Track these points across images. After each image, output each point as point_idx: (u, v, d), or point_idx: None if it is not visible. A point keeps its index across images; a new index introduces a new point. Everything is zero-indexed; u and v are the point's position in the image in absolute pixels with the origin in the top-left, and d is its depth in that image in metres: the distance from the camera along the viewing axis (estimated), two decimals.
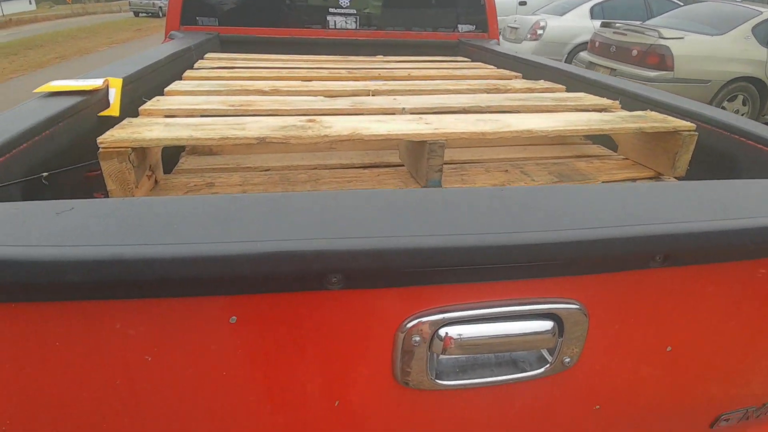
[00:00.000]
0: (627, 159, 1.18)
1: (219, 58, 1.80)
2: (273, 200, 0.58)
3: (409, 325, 0.60)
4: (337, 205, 0.58)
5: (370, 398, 0.66)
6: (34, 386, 0.56)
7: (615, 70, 5.13)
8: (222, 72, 1.51)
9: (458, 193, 0.64)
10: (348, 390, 0.65)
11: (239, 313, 0.55)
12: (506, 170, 1.05)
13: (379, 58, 2.14)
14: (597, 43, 5.65)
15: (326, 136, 0.84)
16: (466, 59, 2.12)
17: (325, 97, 1.20)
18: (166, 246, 0.48)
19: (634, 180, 1.08)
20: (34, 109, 0.91)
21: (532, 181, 1.00)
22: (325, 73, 1.58)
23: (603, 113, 1.14)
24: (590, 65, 5.58)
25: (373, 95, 1.29)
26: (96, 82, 1.07)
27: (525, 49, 6.79)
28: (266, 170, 1.05)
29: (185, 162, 1.07)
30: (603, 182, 1.04)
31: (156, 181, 0.93)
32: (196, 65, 1.63)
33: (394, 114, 1.07)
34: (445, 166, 0.94)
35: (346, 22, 2.55)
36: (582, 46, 6.47)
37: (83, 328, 0.53)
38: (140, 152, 0.83)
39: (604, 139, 1.29)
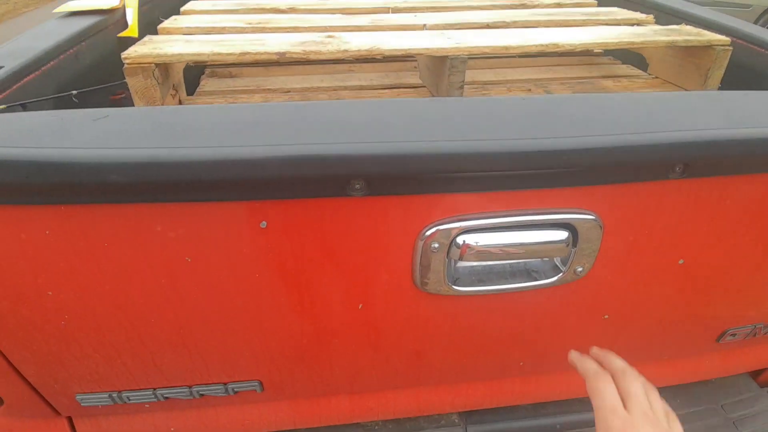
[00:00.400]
0: (657, 78, 1.13)
1: None
2: (297, 108, 0.59)
3: (429, 232, 0.63)
4: (360, 112, 0.59)
5: (391, 302, 0.71)
6: (86, 282, 0.61)
7: None
8: None
9: (478, 101, 0.64)
10: (370, 294, 0.70)
11: (269, 217, 0.59)
12: (529, 89, 1.03)
13: None
14: None
15: (346, 51, 0.83)
16: None
17: (344, 14, 1.17)
18: (197, 149, 0.51)
19: None
20: (56, 28, 0.92)
21: None
22: None
23: (635, 27, 1.08)
24: None
25: (392, 12, 1.24)
26: (112, 2, 1.06)
27: None
28: (287, 92, 1.05)
29: (206, 84, 1.07)
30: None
31: (180, 101, 0.94)
32: None
33: (414, 30, 1.04)
34: (466, 86, 0.93)
35: None
36: None
37: (127, 230, 0.57)
38: (163, 69, 0.84)
39: (635, 59, 1.23)
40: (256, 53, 0.81)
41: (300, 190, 0.56)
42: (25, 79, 0.74)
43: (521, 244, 0.65)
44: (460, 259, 0.65)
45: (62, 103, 0.79)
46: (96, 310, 0.65)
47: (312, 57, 0.82)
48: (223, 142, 0.52)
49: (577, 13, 1.18)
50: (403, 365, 0.84)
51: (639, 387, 0.53)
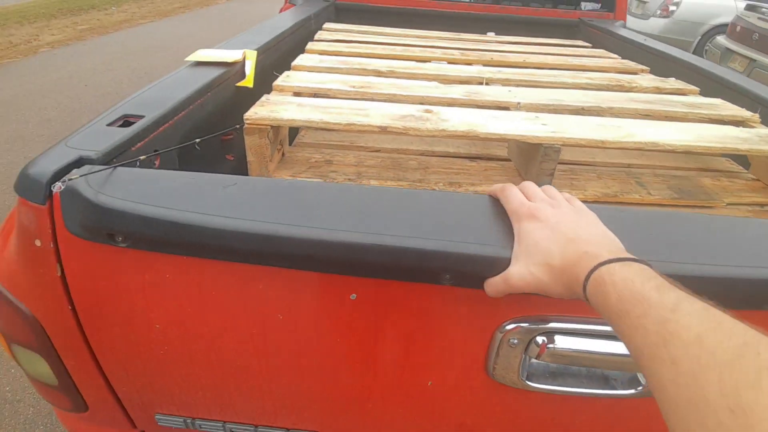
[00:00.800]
0: (758, 181, 1.08)
1: (336, 30, 1.87)
2: (399, 196, 0.63)
3: (509, 327, 0.64)
4: (456, 209, 0.63)
5: (461, 385, 0.72)
6: (190, 322, 0.68)
7: (755, 61, 4.50)
8: (340, 46, 1.57)
9: None
10: (442, 374, 0.71)
11: (360, 291, 0.63)
12: (620, 179, 1.02)
13: (491, 37, 2.08)
14: (738, 28, 4.95)
15: (443, 130, 0.88)
16: (586, 44, 2.00)
17: (440, 83, 1.22)
18: (311, 228, 0.56)
19: (762, 206, 0.99)
20: (188, 79, 1.03)
21: (648, 195, 0.96)
22: (438, 53, 1.59)
23: (740, 128, 1.04)
24: (727, 52, 4.93)
25: (486, 84, 1.28)
26: (236, 55, 1.18)
27: (652, 27, 6.14)
28: (377, 151, 1.11)
29: (305, 136, 1.16)
30: (728, 204, 0.97)
31: (283, 154, 1.02)
32: (316, 36, 1.71)
33: (508, 108, 1.07)
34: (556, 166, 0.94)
35: None
36: (720, 29, 5.71)
37: (234, 284, 0.64)
38: (275, 129, 0.92)
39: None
40: (360, 125, 0.87)
41: (394, 273, 0.60)
42: (161, 129, 0.84)
43: (603, 354, 0.64)
44: (537, 357, 0.65)
45: (186, 149, 0.89)
46: (192, 346, 0.71)
47: (411, 133, 0.87)
48: (333, 225, 0.57)
49: (678, 104, 1.16)
50: None
51: (538, 187, 0.63)
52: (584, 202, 0.95)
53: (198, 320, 0.68)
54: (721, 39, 5.31)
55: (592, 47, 1.95)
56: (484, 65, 1.51)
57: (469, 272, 0.59)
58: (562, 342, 0.64)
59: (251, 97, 1.22)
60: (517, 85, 1.27)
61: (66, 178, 0.60)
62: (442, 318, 0.65)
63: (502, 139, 0.89)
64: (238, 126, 1.02)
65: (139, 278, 0.65)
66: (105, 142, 0.72)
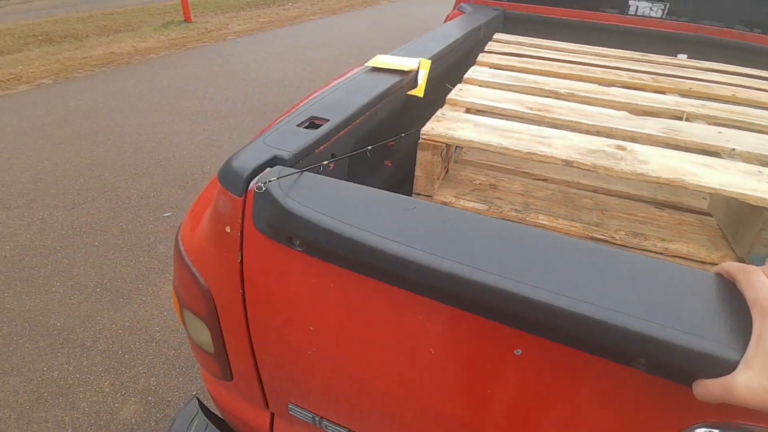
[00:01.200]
0: None
1: (507, 42, 1.79)
2: (593, 252, 0.55)
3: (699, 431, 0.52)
4: (668, 282, 0.52)
5: None
6: (343, 331, 0.68)
7: None
8: (512, 60, 1.49)
9: None
10: None
11: (528, 349, 0.56)
12: None
13: (684, 60, 1.81)
14: None
15: (642, 174, 0.76)
16: None
17: (629, 113, 1.08)
18: (492, 275, 0.51)
19: None
20: (367, 84, 1.05)
21: None
22: (624, 76, 1.42)
23: None
24: None
25: (687, 119, 1.10)
26: (412, 64, 1.18)
27: None
28: (544, 180, 1.02)
29: (467, 153, 1.11)
30: None
31: (447, 171, 0.99)
32: (486, 48, 1.65)
33: (719, 155, 0.90)
34: None
35: (651, 9, 2.22)
36: None
37: (394, 308, 0.62)
38: (447, 146, 0.89)
39: None
40: (543, 155, 0.80)
41: (578, 344, 0.52)
42: (341, 133, 0.86)
43: None
44: None
45: (359, 155, 0.90)
46: (339, 355, 0.71)
47: (601, 172, 0.77)
48: (520, 275, 0.51)
49: None
50: None
51: None
52: None
53: (351, 333, 0.67)
54: None
55: None
56: (681, 95, 1.31)
57: (673, 364, 0.48)
58: None
59: (418, 105, 1.21)
60: (727, 125, 1.07)
61: (264, 179, 0.64)
62: (617, 403, 0.56)
63: (714, 193, 0.74)
64: (404, 135, 1.01)
65: (306, 281, 0.66)
66: (295, 143, 0.75)
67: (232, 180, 0.66)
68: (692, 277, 0.53)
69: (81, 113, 4.31)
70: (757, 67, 1.77)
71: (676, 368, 0.48)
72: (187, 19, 8.01)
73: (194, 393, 1.88)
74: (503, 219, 0.86)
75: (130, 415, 1.78)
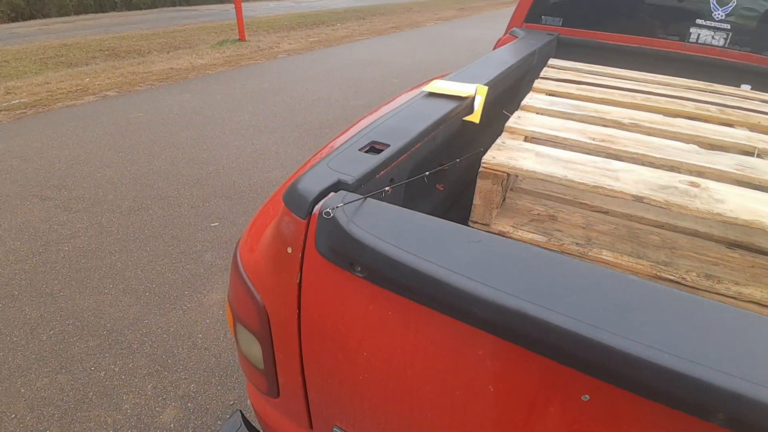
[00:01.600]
0: None
1: (563, 68, 1.76)
2: (678, 300, 0.52)
3: None
4: (753, 330, 0.49)
5: None
6: (397, 360, 0.67)
7: None
8: (570, 87, 1.46)
9: None
10: None
11: (596, 395, 0.53)
12: None
13: (750, 92, 1.73)
14: None
15: (719, 214, 0.72)
16: None
17: (700, 147, 1.03)
18: (565, 318, 0.49)
19: None
20: (426, 111, 1.06)
21: None
22: (689, 106, 1.36)
23: None
24: None
25: (758, 156, 1.04)
26: (470, 90, 1.18)
27: None
28: (605, 213, 0.99)
29: (523, 181, 1.09)
30: None
31: (504, 199, 0.98)
32: (542, 74, 1.64)
33: None
34: None
35: (713, 38, 2.14)
36: None
37: (453, 340, 0.60)
38: (507, 176, 0.88)
39: None
40: (611, 189, 0.77)
41: (655, 396, 0.49)
42: (401, 158, 0.86)
43: None
44: None
45: (415, 181, 0.90)
46: (391, 384, 0.70)
47: (674, 210, 0.74)
48: (594, 320, 0.49)
49: None
50: None
51: None
52: None
53: (404, 364, 0.66)
54: None
55: None
56: (750, 129, 1.24)
57: (756, 424, 0.45)
58: None
59: (472, 130, 1.20)
60: None
61: (330, 204, 0.64)
62: None
63: None
64: (458, 160, 1.01)
65: (363, 307, 0.66)
66: (358, 168, 0.76)
67: (298, 203, 0.67)
68: None
69: (141, 124, 4.56)
70: None
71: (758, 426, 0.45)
72: (242, 38, 8.38)
73: (232, 403, 1.90)
74: (567, 254, 0.83)
75: (169, 420, 1.81)
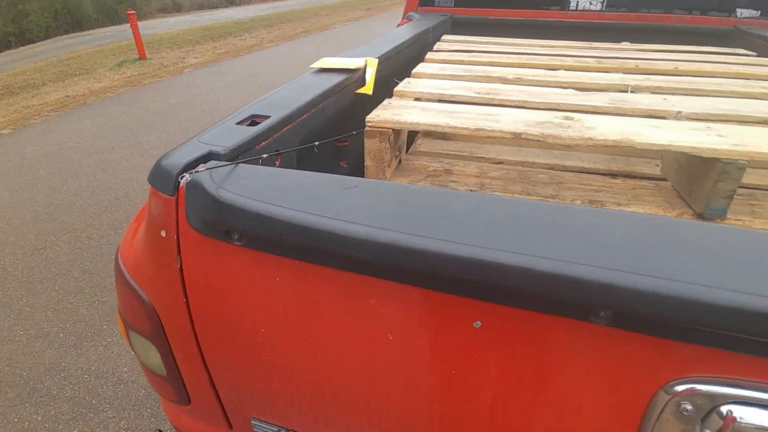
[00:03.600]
0: None
1: (455, 41, 1.80)
2: (548, 211, 0.52)
3: (680, 387, 0.49)
4: (620, 228, 0.50)
5: None
6: (295, 330, 0.63)
7: None
8: (461, 56, 1.50)
9: None
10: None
11: (486, 320, 0.53)
12: None
13: (630, 46, 1.86)
14: None
15: (590, 138, 0.75)
16: (750, 53, 1.70)
17: (577, 90, 1.09)
18: (439, 241, 0.48)
19: None
20: (312, 84, 1.03)
21: None
22: (569, 61, 1.44)
23: None
24: None
25: (632, 92, 1.11)
26: (359, 62, 1.17)
27: None
28: (499, 162, 1.01)
29: (422, 144, 1.09)
30: None
31: (400, 161, 0.97)
32: (435, 47, 1.66)
33: (665, 118, 0.90)
34: None
35: (590, 3, 2.29)
36: None
37: (345, 295, 0.58)
38: (396, 133, 0.87)
39: None
40: (491, 130, 0.78)
41: (535, 304, 0.49)
42: (284, 129, 0.83)
43: None
44: None
45: (304, 154, 0.87)
46: (295, 356, 0.66)
47: (550, 141, 0.76)
48: (467, 239, 0.48)
49: None
50: None
51: None
52: None
53: (303, 330, 0.63)
54: None
55: (757, 56, 1.65)
56: (626, 73, 1.33)
57: (636, 313, 0.46)
58: (758, 417, 0.48)
59: (369, 104, 1.19)
60: (672, 94, 1.08)
61: (192, 171, 0.60)
62: (589, 365, 0.53)
63: (665, 150, 0.74)
64: (355, 132, 0.99)
65: (250, 279, 0.62)
66: (233, 139, 0.72)
67: (163, 179, 0.62)
68: (647, 223, 0.51)
69: (38, 158, 4.18)
70: (685, 44, 1.82)
71: (640, 316, 0.46)
72: (142, 57, 7.93)
73: (167, 431, 1.77)
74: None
75: None
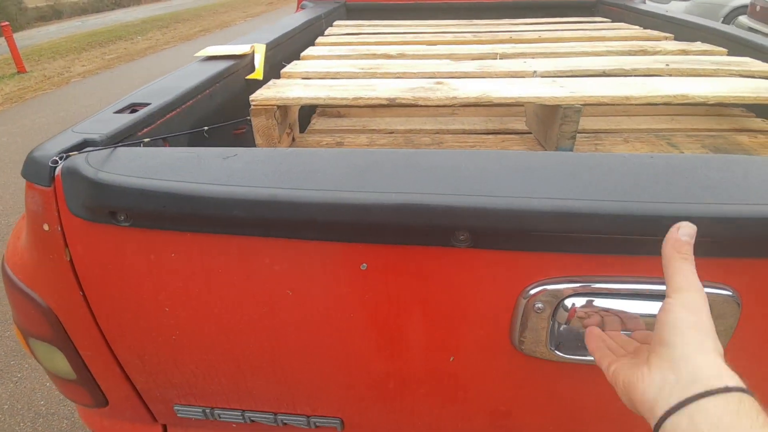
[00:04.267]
0: None
1: (347, 25, 1.86)
2: (406, 156, 0.60)
3: (533, 291, 0.59)
4: (468, 163, 0.58)
5: (484, 359, 0.67)
6: (198, 304, 0.66)
7: None
8: (350, 38, 1.56)
9: (598, 157, 0.59)
10: (464, 347, 0.67)
11: (370, 260, 0.59)
12: (649, 141, 0.95)
13: (505, 21, 2.03)
14: (758, 7, 4.77)
15: (454, 98, 0.84)
16: (605, 20, 1.93)
17: (451, 60, 1.19)
18: (311, 192, 0.53)
19: None
20: (196, 71, 1.03)
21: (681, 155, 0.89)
22: (449, 37, 1.55)
23: None
24: (749, 32, 4.75)
25: (500, 58, 1.24)
26: (245, 48, 1.18)
27: (674, 11, 5.95)
28: (390, 133, 1.08)
29: (316, 123, 1.14)
30: None
31: (293, 139, 1.01)
32: (326, 32, 1.71)
33: (524, 77, 1.03)
34: (577, 135, 0.88)
35: None
36: (740, 10, 5.48)
37: (240, 259, 0.61)
38: (283, 111, 0.90)
39: None
40: (368, 98, 0.84)
41: (404, 237, 0.56)
42: (168, 116, 0.83)
43: (639, 315, 0.58)
44: (567, 323, 0.60)
45: (196, 136, 0.88)
46: (203, 329, 0.69)
47: (421, 103, 0.84)
48: (335, 186, 0.54)
49: (705, 62, 1.09)
50: (489, 424, 0.79)
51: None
52: None
53: (206, 301, 0.66)
54: (743, 19, 5.11)
55: (611, 22, 1.88)
56: (497, 43, 1.46)
57: (486, 230, 0.54)
58: (593, 304, 0.59)
59: None
60: (534, 58, 1.22)
61: (65, 155, 0.60)
62: (460, 286, 0.61)
63: (516, 102, 0.85)
64: (249, 117, 1.01)
65: (144, 259, 0.63)
66: (110, 126, 0.71)
67: (36, 169, 0.61)
68: (498, 157, 0.59)
69: None
70: (557, 17, 2.03)
71: (491, 233, 0.54)
72: (21, 70, 7.17)
73: None
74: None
75: None
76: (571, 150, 0.87)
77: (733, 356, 0.53)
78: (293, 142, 1.00)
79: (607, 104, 0.84)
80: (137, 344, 0.73)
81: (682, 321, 0.43)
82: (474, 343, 0.66)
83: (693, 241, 0.46)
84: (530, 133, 1.02)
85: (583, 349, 0.64)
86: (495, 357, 0.67)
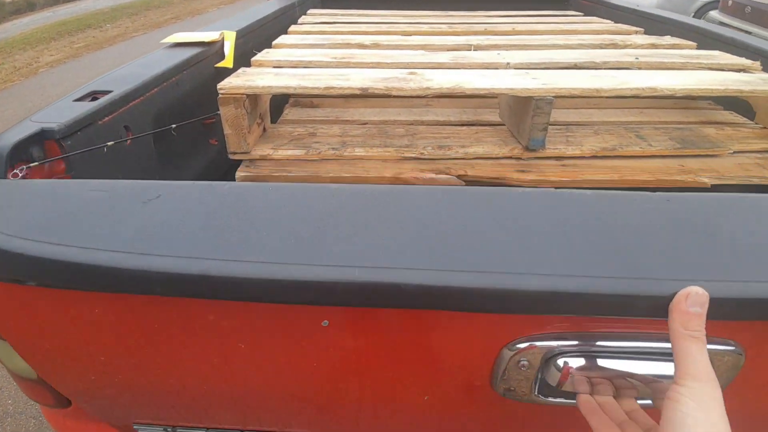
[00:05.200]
0: (765, 128, 1.02)
1: (321, 14, 1.83)
2: (373, 197, 0.50)
3: (519, 346, 0.50)
4: (446, 215, 0.48)
5: (461, 401, 0.58)
6: (140, 357, 0.57)
7: (749, 33, 4.42)
8: (324, 27, 1.53)
9: (602, 200, 0.50)
10: (440, 388, 0.57)
11: (332, 318, 0.51)
12: (618, 133, 0.97)
13: (480, 13, 2.03)
14: (730, 2, 4.90)
15: (428, 88, 0.83)
16: (577, 13, 1.95)
17: (426, 51, 1.18)
18: (250, 264, 0.43)
19: None
20: (162, 58, 1.00)
21: (649, 147, 0.91)
22: (425, 28, 1.54)
23: (741, 74, 0.99)
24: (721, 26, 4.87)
25: (474, 50, 1.23)
26: (213, 35, 1.15)
27: (645, 5, 6.06)
28: (364, 124, 1.07)
29: (289, 113, 1.12)
30: (735, 152, 0.92)
31: (264, 129, 0.98)
32: (300, 20, 1.68)
33: (497, 69, 1.03)
34: (549, 127, 0.89)
35: None
36: (712, 5, 5.63)
37: (179, 317, 0.52)
38: (253, 100, 0.88)
39: (739, 107, 1.13)
40: (340, 88, 0.83)
41: (369, 303, 0.47)
42: (131, 103, 0.80)
43: (633, 374, 0.49)
44: (558, 385, 0.51)
45: (162, 133, 0.85)
46: (149, 374, 0.60)
47: (394, 93, 0.83)
48: (282, 255, 0.43)
49: (675, 55, 1.11)
50: None
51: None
52: (581, 157, 0.91)
53: (147, 353, 0.55)
54: (714, 14, 5.24)
55: (584, 15, 1.90)
56: (472, 35, 1.46)
57: (463, 305, 0.44)
58: (585, 364, 0.49)
59: None
60: (507, 50, 1.22)
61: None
62: (432, 342, 0.52)
63: (489, 94, 0.85)
64: (220, 111, 0.98)
65: (62, 317, 0.53)
66: (69, 115, 0.68)
67: None
68: (473, 195, 0.50)
69: None
70: (531, 10, 2.03)
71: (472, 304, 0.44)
72: None
73: None
74: (325, 159, 0.86)
75: None
76: (543, 142, 0.88)
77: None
78: (264, 133, 0.98)
79: (578, 96, 0.84)
80: (81, 381, 0.64)
81: (693, 420, 0.37)
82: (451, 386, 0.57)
83: (705, 312, 0.38)
84: (503, 124, 1.02)
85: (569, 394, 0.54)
86: (474, 399, 0.58)
